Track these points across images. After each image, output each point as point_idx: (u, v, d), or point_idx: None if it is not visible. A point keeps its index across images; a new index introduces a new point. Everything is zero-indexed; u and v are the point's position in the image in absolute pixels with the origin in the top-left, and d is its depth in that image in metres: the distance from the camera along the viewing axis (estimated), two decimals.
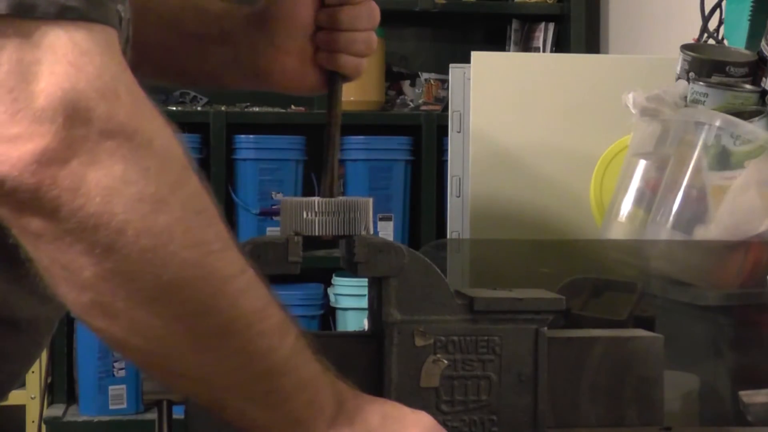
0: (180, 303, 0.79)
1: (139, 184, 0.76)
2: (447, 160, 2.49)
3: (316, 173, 3.20)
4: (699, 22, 1.95)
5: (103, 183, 0.75)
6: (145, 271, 0.77)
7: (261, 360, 0.84)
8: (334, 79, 1.12)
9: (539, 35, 3.51)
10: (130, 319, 0.78)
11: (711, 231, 1.50)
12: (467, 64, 2.17)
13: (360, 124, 3.37)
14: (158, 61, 1.20)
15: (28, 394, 3.21)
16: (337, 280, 3.30)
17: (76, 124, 0.74)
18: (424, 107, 3.52)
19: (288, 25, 1.15)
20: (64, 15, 0.76)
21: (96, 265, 0.76)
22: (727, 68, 1.69)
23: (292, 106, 3.44)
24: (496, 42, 3.59)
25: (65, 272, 0.77)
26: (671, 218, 1.56)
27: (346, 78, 1.14)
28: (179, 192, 0.79)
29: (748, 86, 1.68)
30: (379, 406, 0.91)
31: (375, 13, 1.13)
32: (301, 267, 0.93)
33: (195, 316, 0.80)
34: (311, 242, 0.96)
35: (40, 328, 1.06)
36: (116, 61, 0.79)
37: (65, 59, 0.75)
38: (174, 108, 3.42)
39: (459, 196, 2.30)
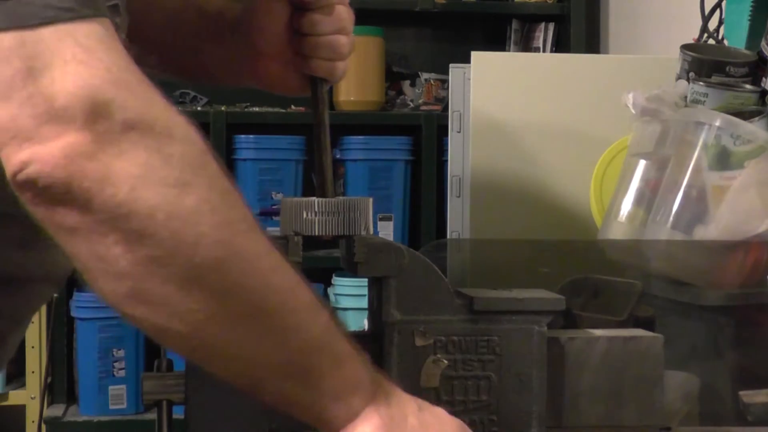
0: (213, 283, 0.82)
1: (163, 169, 0.80)
2: (447, 160, 2.49)
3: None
4: (699, 22, 1.95)
5: (130, 171, 0.78)
6: (177, 254, 0.80)
7: (296, 336, 0.86)
8: (313, 81, 1.15)
9: (539, 35, 3.51)
10: (167, 304, 0.81)
11: (711, 231, 1.50)
12: (467, 64, 2.17)
13: (360, 124, 3.37)
14: (159, 57, 1.23)
15: (28, 394, 3.21)
16: (337, 280, 3.30)
17: (97, 118, 0.78)
18: (424, 107, 3.52)
19: (264, 31, 1.19)
20: (61, 17, 0.80)
21: (130, 253, 0.79)
22: (727, 68, 1.69)
23: (292, 106, 3.44)
24: (496, 42, 3.58)
25: (102, 264, 0.80)
26: (671, 218, 1.56)
27: (325, 81, 1.15)
28: (202, 174, 0.82)
29: (748, 86, 1.68)
30: (411, 396, 0.93)
31: (338, 18, 1.15)
32: (301, 267, 0.93)
33: (229, 296, 0.83)
34: (311, 242, 0.96)
35: (30, 297, 1.08)
36: (119, 52, 0.83)
37: (73, 59, 0.79)
38: None
39: (459, 196, 2.30)
